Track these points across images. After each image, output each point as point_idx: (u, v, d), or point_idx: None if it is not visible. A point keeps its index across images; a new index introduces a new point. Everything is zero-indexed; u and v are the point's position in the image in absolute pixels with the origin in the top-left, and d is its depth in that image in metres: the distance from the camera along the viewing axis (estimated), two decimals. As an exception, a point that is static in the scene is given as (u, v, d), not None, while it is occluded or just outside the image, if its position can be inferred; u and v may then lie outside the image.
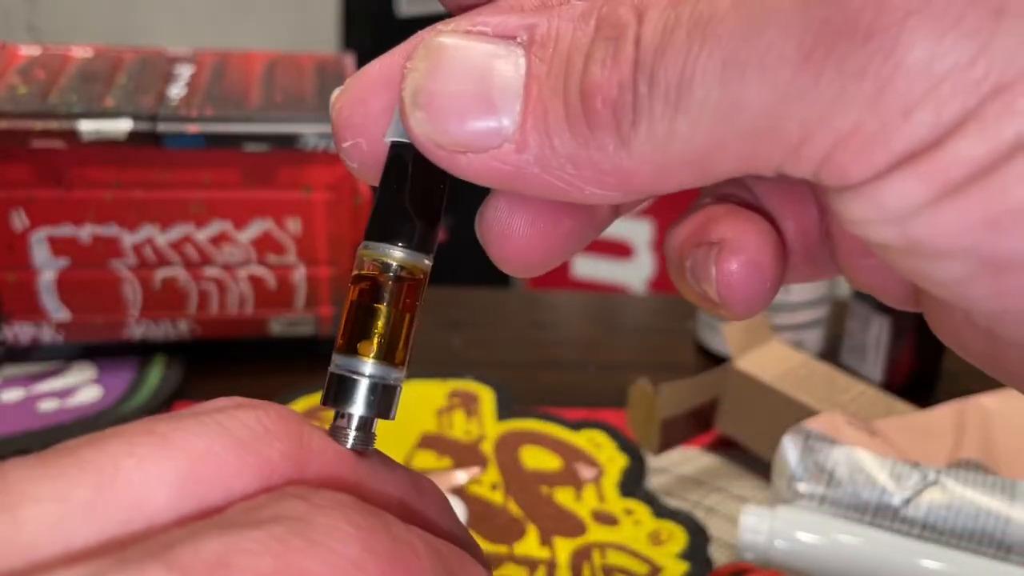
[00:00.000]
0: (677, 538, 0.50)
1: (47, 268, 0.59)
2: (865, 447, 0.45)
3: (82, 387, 0.61)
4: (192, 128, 0.58)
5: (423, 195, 0.18)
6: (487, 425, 0.59)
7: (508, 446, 0.57)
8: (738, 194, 0.21)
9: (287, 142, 0.59)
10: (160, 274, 0.61)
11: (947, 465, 0.45)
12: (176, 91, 0.61)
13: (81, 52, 0.65)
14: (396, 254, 0.18)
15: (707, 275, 0.19)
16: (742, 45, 0.15)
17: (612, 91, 0.16)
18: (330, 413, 0.18)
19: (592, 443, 0.57)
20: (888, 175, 0.15)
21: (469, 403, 0.61)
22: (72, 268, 0.60)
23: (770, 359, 0.56)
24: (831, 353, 0.67)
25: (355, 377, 0.18)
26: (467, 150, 0.17)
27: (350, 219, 0.62)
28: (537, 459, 0.56)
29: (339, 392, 0.18)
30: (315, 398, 0.60)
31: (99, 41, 0.72)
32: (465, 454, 0.56)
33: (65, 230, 0.59)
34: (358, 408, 0.18)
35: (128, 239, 0.60)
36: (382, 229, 0.18)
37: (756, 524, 0.43)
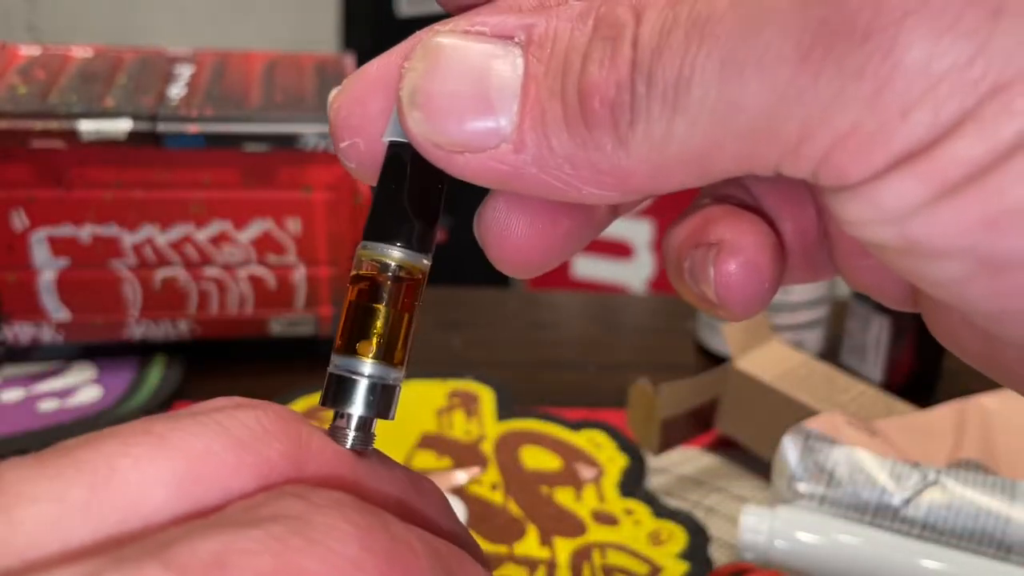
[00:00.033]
0: (677, 538, 0.50)
1: (47, 268, 0.59)
2: (865, 447, 0.45)
3: (82, 387, 0.61)
4: (192, 128, 0.58)
5: (421, 195, 0.18)
6: (487, 425, 0.59)
7: (508, 446, 0.57)
8: (736, 195, 0.21)
9: (287, 142, 0.59)
10: (160, 274, 0.61)
11: (947, 465, 0.45)
12: (176, 91, 0.61)
13: (81, 52, 0.65)
14: (395, 254, 0.18)
15: (705, 276, 0.19)
16: (740, 45, 0.15)
17: (610, 91, 0.16)
18: (329, 413, 0.18)
19: (592, 443, 0.57)
20: (886, 175, 0.15)
21: (469, 403, 0.61)
22: (72, 268, 0.60)
23: (770, 359, 0.56)
24: (831, 353, 0.67)
25: (354, 377, 0.18)
26: (465, 150, 0.17)
27: (350, 219, 0.62)
28: (537, 459, 0.56)
29: (338, 392, 0.18)
30: (315, 398, 0.60)
31: (99, 41, 0.72)
32: (465, 454, 0.56)
33: (65, 230, 0.59)
34: (357, 408, 0.18)
35: (128, 239, 0.60)
36: (380, 229, 0.18)
37: (756, 524, 0.43)
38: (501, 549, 0.49)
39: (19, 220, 0.58)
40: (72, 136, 0.56)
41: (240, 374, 0.64)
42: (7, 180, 0.57)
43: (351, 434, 0.18)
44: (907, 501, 0.42)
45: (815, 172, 0.15)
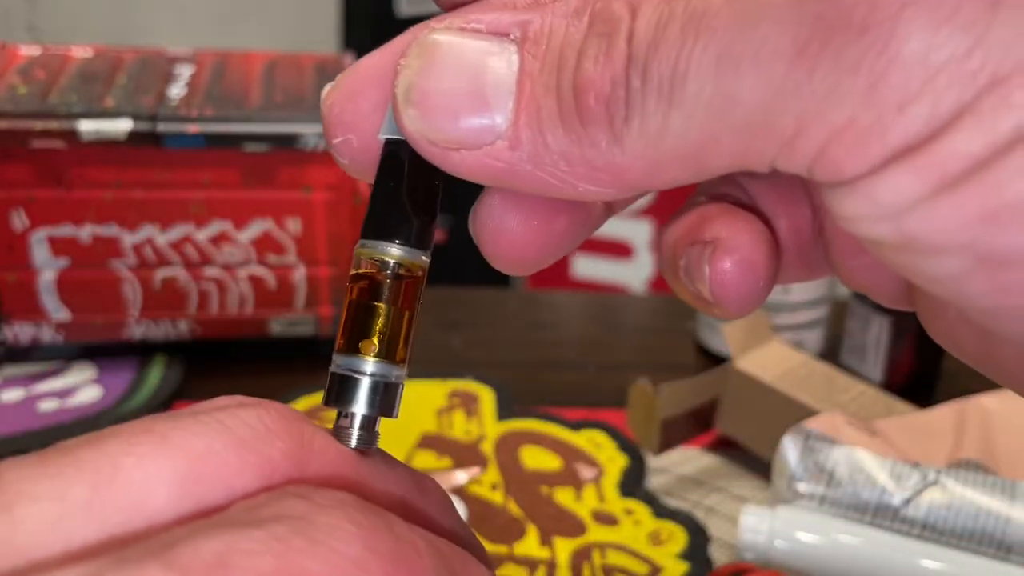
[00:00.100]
0: (677, 538, 0.50)
1: (47, 268, 0.59)
2: (865, 447, 0.45)
3: (82, 387, 0.61)
4: (192, 128, 0.58)
5: (418, 192, 0.18)
6: (487, 425, 0.59)
7: (508, 446, 0.57)
8: (732, 193, 0.21)
9: (287, 142, 0.59)
10: (160, 274, 0.61)
11: (947, 465, 0.45)
12: (176, 91, 0.61)
13: (81, 52, 0.65)
14: (394, 252, 0.18)
15: (701, 274, 0.19)
16: (737, 39, 0.15)
17: (605, 87, 0.16)
18: (331, 412, 0.18)
19: (592, 443, 0.57)
20: (883, 170, 0.14)
21: (469, 403, 0.61)
22: (72, 268, 0.60)
23: (770, 359, 0.56)
24: (831, 353, 0.67)
25: (357, 376, 0.18)
26: (460, 147, 0.17)
27: (350, 219, 0.62)
28: (537, 459, 0.56)
29: (341, 392, 0.18)
30: (315, 398, 0.60)
31: (99, 41, 0.72)
32: (465, 454, 0.56)
33: (65, 230, 0.59)
34: (361, 407, 0.18)
35: (128, 239, 0.60)
36: (378, 227, 0.18)
37: (756, 524, 0.43)
38: (501, 549, 0.49)
39: (19, 220, 0.58)
40: (72, 136, 0.56)
41: (240, 374, 0.64)
42: (7, 180, 0.57)
43: (355, 433, 0.18)
44: (907, 501, 0.42)
45: (811, 167, 0.15)
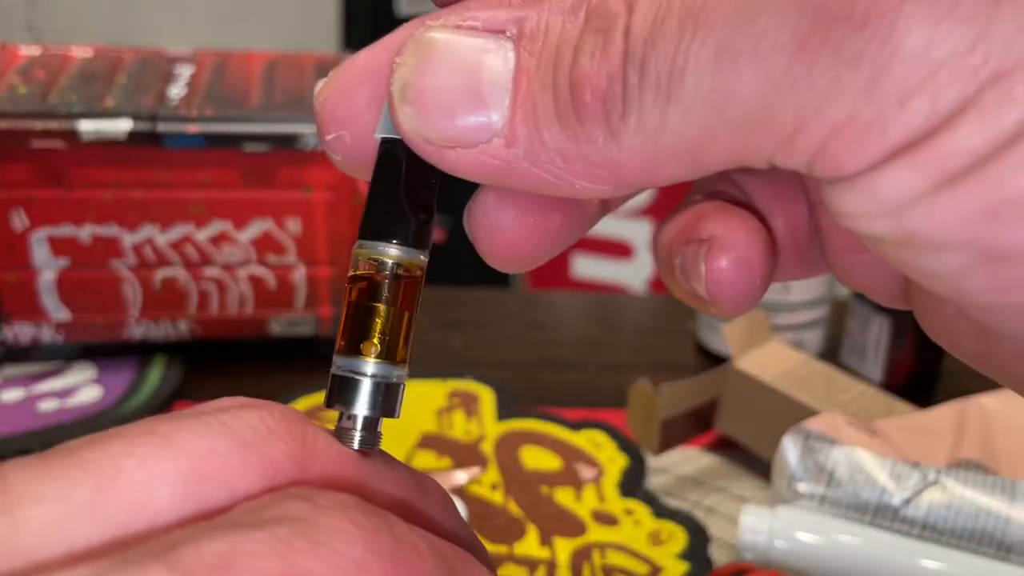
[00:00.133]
0: (677, 538, 0.50)
1: (47, 268, 0.59)
2: (865, 447, 0.45)
3: (82, 387, 0.61)
4: (192, 128, 0.58)
5: (415, 191, 0.18)
6: (487, 425, 0.59)
7: (508, 446, 0.57)
8: (728, 191, 0.21)
9: (287, 142, 0.59)
10: (160, 274, 0.61)
11: (947, 465, 0.45)
12: (176, 91, 0.61)
13: (81, 52, 0.65)
14: (392, 252, 0.18)
15: (696, 272, 0.19)
16: (735, 33, 0.14)
17: (601, 83, 0.15)
18: (332, 413, 0.18)
19: (592, 443, 0.57)
20: (883, 165, 0.14)
21: (469, 403, 0.61)
22: (72, 268, 0.60)
23: (770, 359, 0.56)
24: (831, 353, 0.67)
25: (358, 377, 0.18)
26: (456, 145, 0.17)
27: (350, 219, 0.62)
28: (537, 459, 0.56)
29: (342, 393, 0.18)
30: (315, 398, 0.60)
31: (99, 41, 0.72)
32: (465, 454, 0.56)
33: (65, 230, 0.59)
34: (363, 408, 0.18)
35: (128, 239, 0.60)
36: (376, 227, 0.18)
37: (756, 524, 0.43)
38: (501, 549, 0.49)
39: (19, 220, 0.58)
40: (72, 136, 0.56)
41: (240, 374, 0.64)
42: (7, 180, 0.57)
43: (357, 434, 0.18)
44: (907, 501, 0.42)
45: (810, 163, 0.15)
